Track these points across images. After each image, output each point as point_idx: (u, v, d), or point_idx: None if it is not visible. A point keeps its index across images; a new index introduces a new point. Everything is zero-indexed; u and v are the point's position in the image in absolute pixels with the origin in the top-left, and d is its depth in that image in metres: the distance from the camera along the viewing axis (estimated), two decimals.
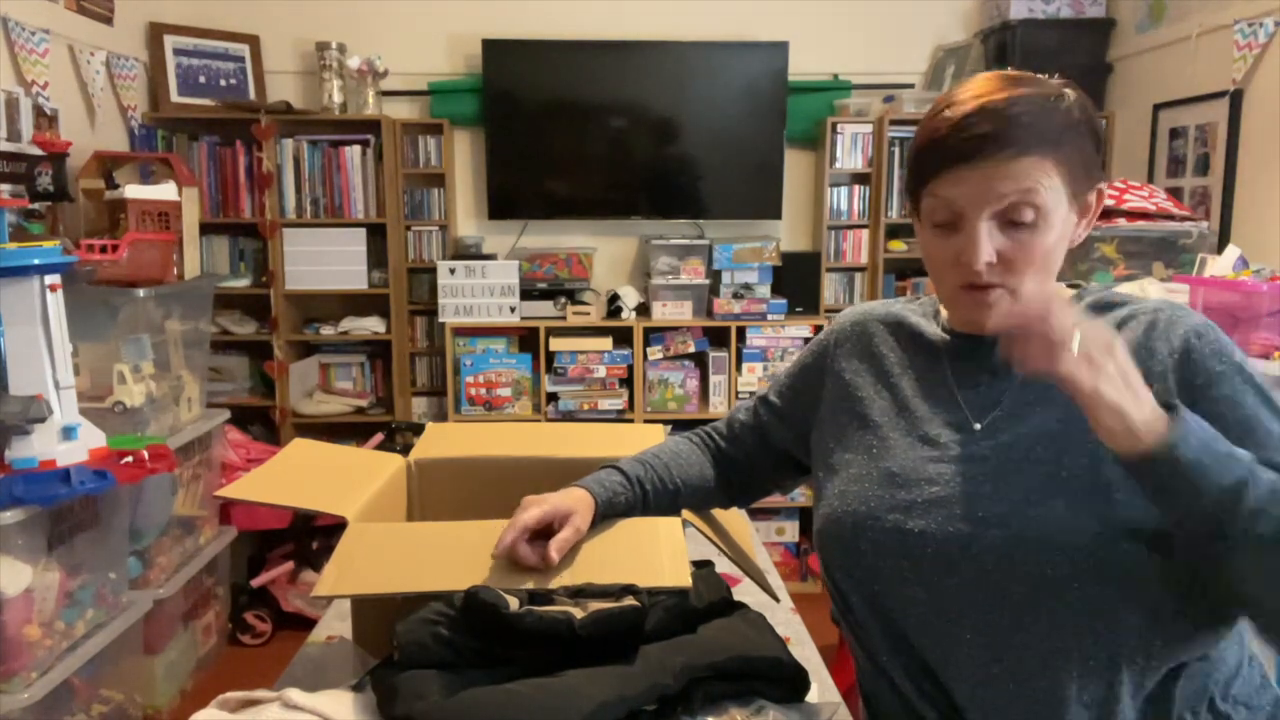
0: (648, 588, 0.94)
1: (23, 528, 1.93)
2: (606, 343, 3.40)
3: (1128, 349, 0.79)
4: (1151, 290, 2.28)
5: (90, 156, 2.68)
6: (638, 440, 1.30)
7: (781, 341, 3.43)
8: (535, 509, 1.00)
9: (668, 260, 3.44)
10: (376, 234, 3.39)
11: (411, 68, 3.52)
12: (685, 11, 3.54)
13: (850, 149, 3.46)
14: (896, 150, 3.39)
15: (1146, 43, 3.16)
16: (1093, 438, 0.80)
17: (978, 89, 0.90)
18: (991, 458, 0.92)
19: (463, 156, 3.63)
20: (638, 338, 3.38)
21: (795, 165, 3.63)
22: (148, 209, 2.56)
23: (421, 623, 0.89)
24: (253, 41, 3.47)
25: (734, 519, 1.34)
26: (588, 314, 3.41)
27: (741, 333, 3.42)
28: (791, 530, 3.57)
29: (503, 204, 3.51)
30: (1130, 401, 0.77)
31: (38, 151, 2.47)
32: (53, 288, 1.91)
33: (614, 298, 3.48)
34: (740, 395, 3.42)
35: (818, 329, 3.39)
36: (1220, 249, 2.47)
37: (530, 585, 0.95)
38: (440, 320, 3.40)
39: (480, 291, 3.37)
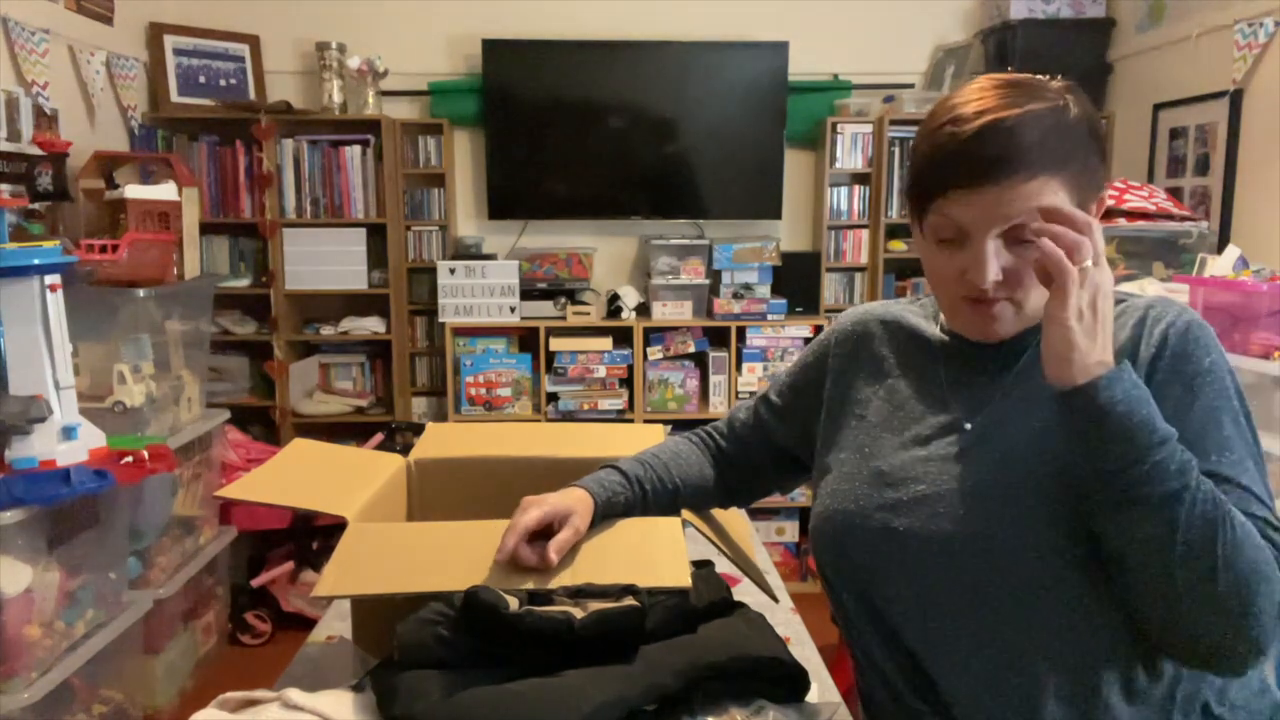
0: (648, 588, 0.94)
1: (23, 528, 1.93)
2: (606, 343, 3.40)
3: (1118, 343, 0.81)
4: (1151, 290, 2.28)
5: (90, 156, 2.68)
6: (638, 440, 1.30)
7: (781, 342, 3.43)
8: (534, 510, 1.00)
9: (668, 260, 3.44)
10: (376, 234, 3.39)
11: (411, 68, 3.52)
12: (685, 11, 3.54)
13: (850, 149, 3.46)
14: (896, 150, 3.39)
15: (1146, 43, 3.16)
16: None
17: (982, 101, 0.88)
18: (979, 457, 0.93)
19: (463, 156, 3.63)
20: (638, 338, 3.38)
21: (795, 165, 3.63)
22: (148, 209, 2.56)
23: (421, 623, 0.89)
24: (253, 41, 3.47)
25: (734, 519, 1.34)
26: (588, 314, 3.41)
27: (741, 333, 3.42)
28: (791, 530, 3.57)
29: (503, 204, 3.51)
30: (1084, 339, 0.80)
31: (38, 151, 2.47)
32: (53, 288, 1.91)
33: (614, 298, 3.48)
34: (740, 395, 3.42)
35: (818, 329, 3.39)
36: (1220, 249, 2.47)
37: (530, 585, 0.95)
38: (440, 320, 3.40)
39: (480, 291, 3.37)
